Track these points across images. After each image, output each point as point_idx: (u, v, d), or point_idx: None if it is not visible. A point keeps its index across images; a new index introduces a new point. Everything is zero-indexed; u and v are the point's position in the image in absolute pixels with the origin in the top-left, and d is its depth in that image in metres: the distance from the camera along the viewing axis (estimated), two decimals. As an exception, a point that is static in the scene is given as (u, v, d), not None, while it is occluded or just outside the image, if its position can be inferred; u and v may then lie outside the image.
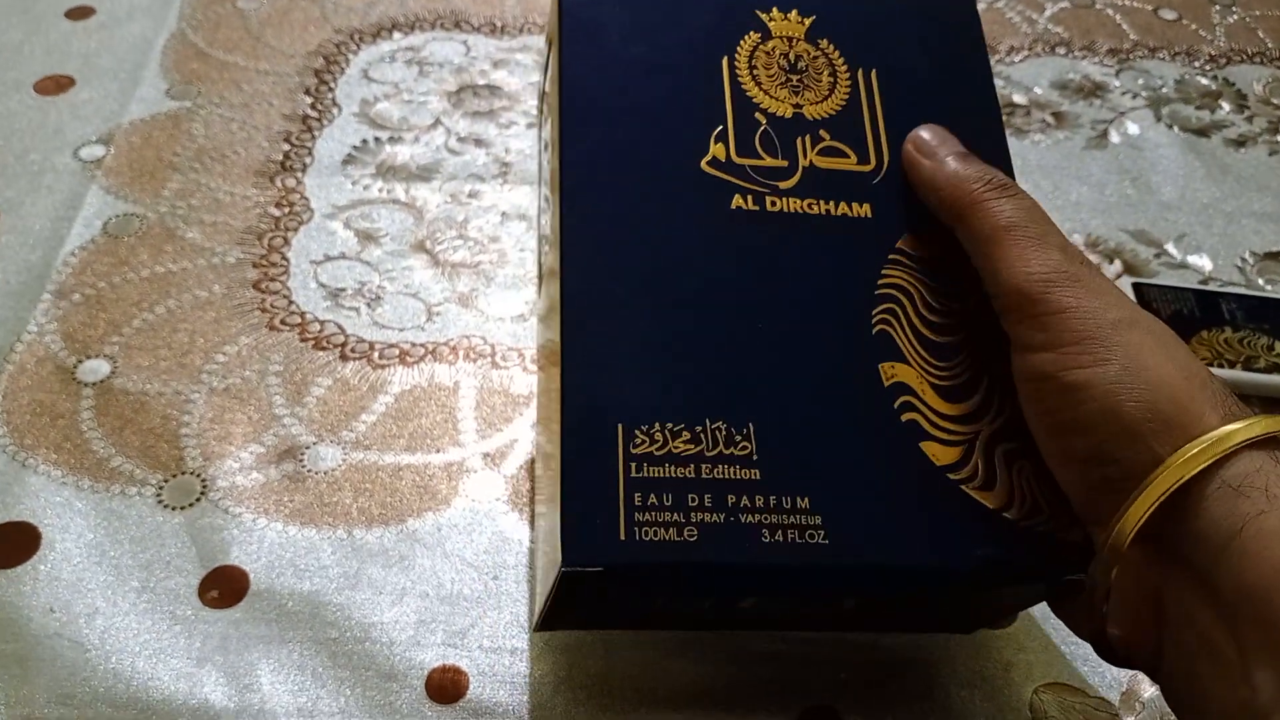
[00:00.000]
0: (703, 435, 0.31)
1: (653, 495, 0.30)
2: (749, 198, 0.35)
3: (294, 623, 0.39)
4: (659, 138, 0.36)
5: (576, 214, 0.34)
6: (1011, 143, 0.61)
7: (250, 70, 0.60)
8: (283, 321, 0.48)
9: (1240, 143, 0.63)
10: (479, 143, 0.58)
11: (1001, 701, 0.39)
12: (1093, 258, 0.56)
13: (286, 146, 0.56)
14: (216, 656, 0.38)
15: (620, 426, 0.31)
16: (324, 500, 0.42)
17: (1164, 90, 0.66)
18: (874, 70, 0.38)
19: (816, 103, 0.38)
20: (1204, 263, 0.56)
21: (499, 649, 0.39)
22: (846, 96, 0.38)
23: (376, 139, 0.57)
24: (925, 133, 0.37)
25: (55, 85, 0.59)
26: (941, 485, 0.32)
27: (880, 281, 0.35)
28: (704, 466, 0.31)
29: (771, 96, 0.37)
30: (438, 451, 0.44)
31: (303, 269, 0.51)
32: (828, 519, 0.31)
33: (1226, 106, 0.66)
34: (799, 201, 0.36)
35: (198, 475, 0.42)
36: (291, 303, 0.49)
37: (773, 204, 0.36)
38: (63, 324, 0.47)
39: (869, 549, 0.31)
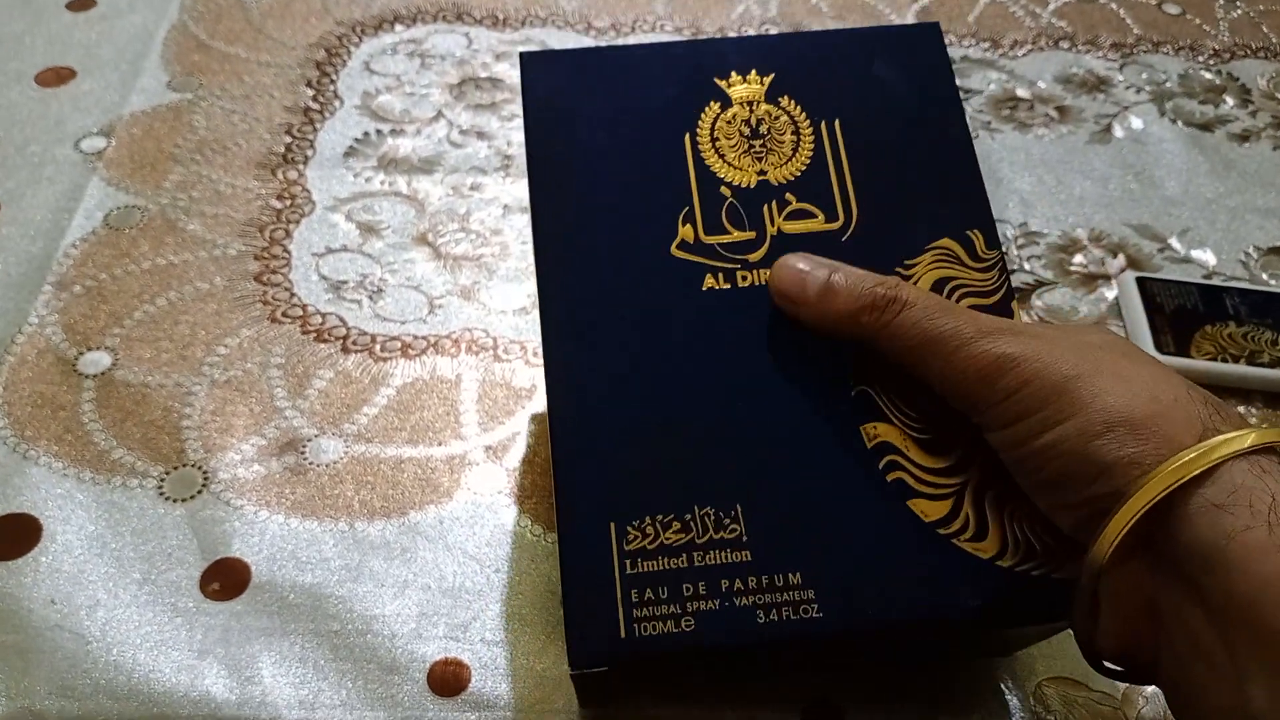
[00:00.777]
0: (692, 523, 0.32)
1: (649, 590, 0.31)
2: (720, 276, 0.36)
3: (295, 615, 0.39)
4: (629, 228, 0.36)
5: (554, 314, 0.35)
6: (1015, 137, 0.61)
7: (252, 62, 0.60)
8: (284, 314, 0.48)
9: (1244, 138, 0.63)
10: (481, 135, 0.58)
11: (1005, 695, 0.39)
12: (1096, 252, 0.55)
13: (288, 139, 0.56)
14: (218, 649, 0.37)
15: (613, 525, 0.32)
16: (326, 493, 0.42)
17: (1168, 85, 0.66)
18: (837, 120, 0.38)
19: (780, 165, 0.37)
20: (1208, 257, 0.56)
21: (500, 642, 0.39)
22: (811, 153, 0.38)
23: (378, 131, 0.57)
24: (779, 275, 0.35)
25: (56, 77, 0.58)
26: (933, 542, 0.32)
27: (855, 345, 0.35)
28: (696, 554, 0.32)
29: (735, 167, 0.37)
30: (439, 444, 0.44)
31: (304, 261, 0.50)
32: (821, 592, 0.31)
33: (1230, 101, 0.65)
34: (768, 273, 0.36)
35: (199, 467, 0.42)
36: (293, 295, 0.49)
37: (744, 278, 0.36)
38: (64, 316, 0.47)
39: (863, 615, 0.31)
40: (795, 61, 0.39)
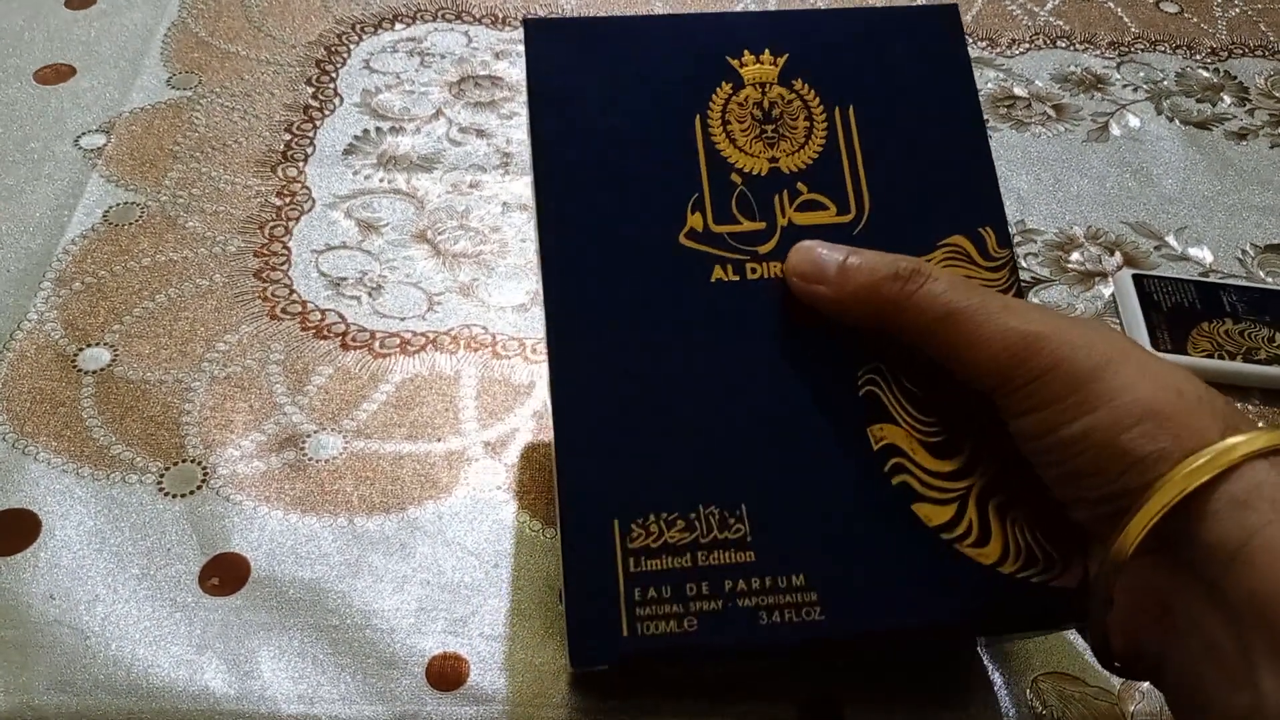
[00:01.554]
0: (696, 522, 0.32)
1: (652, 589, 0.31)
2: (729, 268, 0.35)
3: (295, 610, 0.39)
4: (637, 215, 0.35)
5: (559, 303, 0.34)
6: (1012, 136, 0.61)
7: (252, 60, 0.60)
8: (284, 310, 0.48)
9: (1241, 136, 0.63)
10: (480, 133, 0.58)
11: (1002, 690, 0.39)
12: (1093, 250, 0.56)
13: (288, 136, 0.56)
14: (217, 644, 0.38)
15: (616, 523, 0.32)
16: (325, 488, 0.42)
17: (1165, 83, 0.66)
18: (851, 107, 0.37)
19: (792, 153, 0.36)
20: (1205, 255, 0.56)
21: (499, 636, 0.39)
22: (823, 141, 0.36)
23: (378, 129, 0.57)
24: (796, 257, 0.34)
25: (56, 74, 0.58)
26: (935, 547, 0.32)
27: (863, 342, 0.34)
28: (699, 554, 0.31)
29: (746, 153, 0.36)
30: (439, 440, 0.44)
31: (304, 258, 0.51)
32: (823, 594, 0.31)
33: (1228, 99, 0.66)
34: (778, 265, 0.35)
35: (198, 463, 0.42)
36: (293, 292, 0.49)
37: (753, 271, 0.35)
38: (63, 312, 0.47)
39: (864, 619, 0.31)
40: (810, 41, 0.38)
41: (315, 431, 0.44)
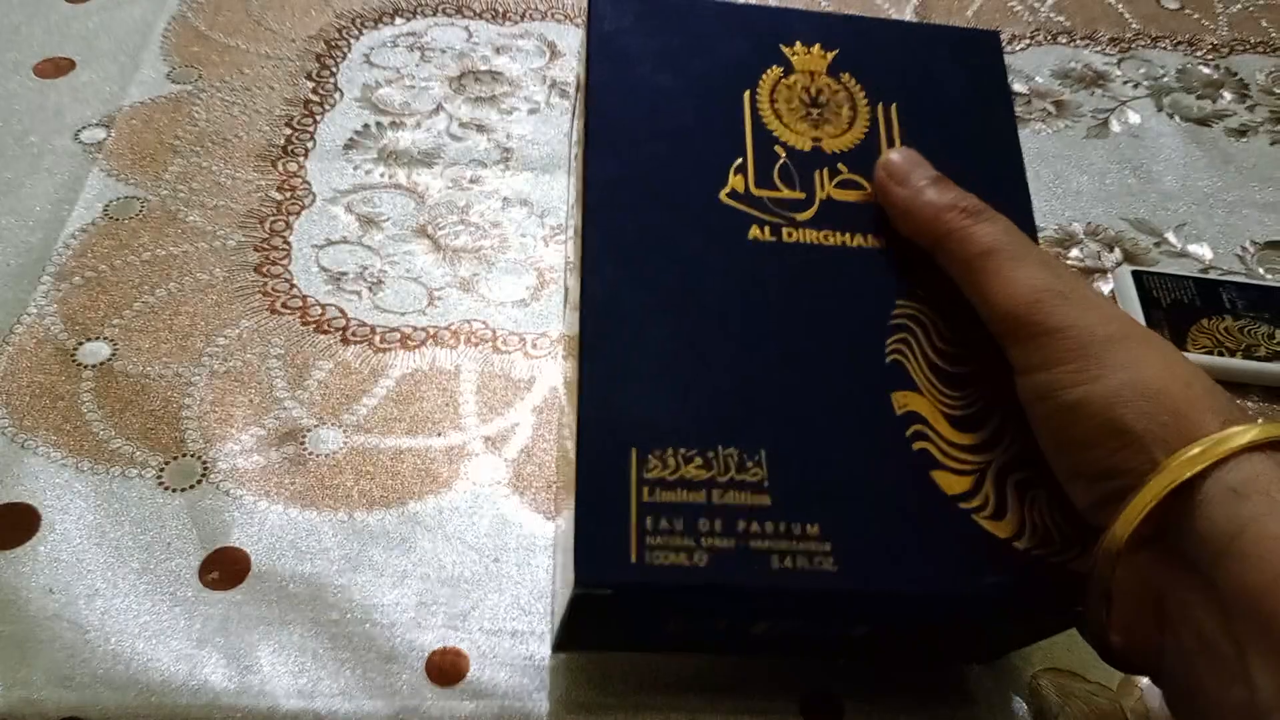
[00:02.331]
0: (715, 461, 0.32)
1: (664, 520, 0.31)
2: (766, 229, 0.36)
3: (295, 604, 0.39)
4: (680, 168, 0.36)
5: (598, 239, 0.35)
6: (1013, 131, 0.61)
7: (252, 54, 0.60)
8: (284, 305, 0.48)
9: (1242, 132, 0.63)
10: (481, 128, 0.58)
11: (1001, 687, 0.39)
12: (1093, 246, 0.56)
13: (288, 130, 0.56)
14: (217, 638, 0.38)
15: (634, 451, 0.32)
16: (325, 483, 0.42)
17: (1165, 79, 0.66)
18: (894, 105, 0.38)
19: (836, 136, 0.38)
20: (1204, 252, 0.56)
21: (499, 631, 0.39)
22: (866, 130, 0.38)
23: (378, 124, 0.57)
24: (896, 156, 0.36)
25: (55, 68, 0.58)
26: (951, 514, 0.32)
27: (894, 312, 0.35)
28: (715, 492, 0.31)
29: (791, 130, 0.37)
30: (439, 435, 0.44)
31: (304, 253, 0.51)
32: (837, 546, 0.31)
33: (1228, 96, 0.66)
34: (815, 233, 0.36)
35: (198, 457, 0.42)
36: (293, 286, 0.49)
37: (789, 235, 0.36)
38: (63, 306, 0.47)
39: (876, 576, 0.31)
40: (859, 42, 0.39)
41: (315, 426, 0.44)
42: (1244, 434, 0.27)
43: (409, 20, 0.64)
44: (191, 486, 0.42)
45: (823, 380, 0.34)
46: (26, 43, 0.60)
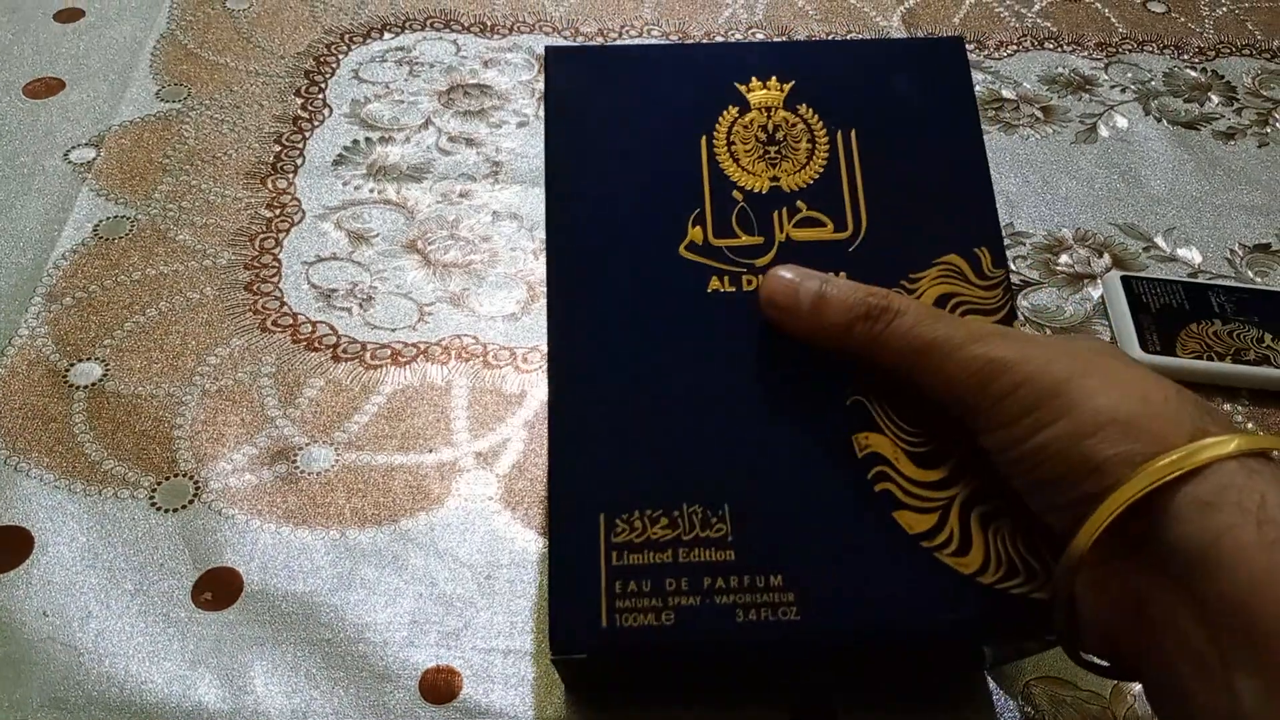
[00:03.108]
0: (680, 520, 0.33)
1: (632, 582, 0.32)
2: (725, 279, 0.36)
3: (288, 624, 0.39)
4: (640, 225, 0.36)
5: (563, 301, 0.35)
6: (1000, 138, 0.62)
7: (240, 71, 0.60)
8: (275, 323, 0.48)
9: (1229, 135, 0.64)
10: (470, 142, 0.58)
11: (994, 695, 0.39)
12: (1082, 252, 0.56)
13: (277, 147, 0.56)
14: (210, 658, 0.38)
15: (603, 517, 0.32)
16: (317, 501, 0.42)
17: (1153, 84, 0.66)
18: (853, 130, 0.38)
19: (794, 172, 0.38)
20: (1193, 256, 0.56)
21: (492, 649, 0.39)
22: (825, 162, 0.38)
23: (367, 139, 0.57)
24: (773, 283, 0.35)
25: (45, 88, 0.58)
26: (915, 554, 0.33)
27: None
28: (681, 550, 0.32)
29: (748, 172, 0.37)
30: (430, 451, 0.44)
31: (294, 270, 0.51)
32: (800, 595, 0.32)
33: (1215, 99, 0.66)
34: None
35: (190, 477, 0.42)
36: (284, 304, 0.49)
37: (749, 283, 0.36)
38: (54, 327, 0.47)
39: (839, 620, 0.32)
40: (816, 69, 0.39)
41: (307, 444, 0.44)
42: (1215, 445, 0.28)
43: (397, 35, 0.64)
44: (184, 506, 0.42)
45: (785, 427, 0.34)
46: (16, 63, 0.60)
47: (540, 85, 0.61)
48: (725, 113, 0.38)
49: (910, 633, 0.32)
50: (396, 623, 0.39)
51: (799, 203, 0.37)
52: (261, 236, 0.52)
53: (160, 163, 0.55)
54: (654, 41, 0.64)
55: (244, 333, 0.48)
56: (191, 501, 0.42)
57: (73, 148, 0.55)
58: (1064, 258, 0.56)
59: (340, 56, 0.62)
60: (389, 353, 0.48)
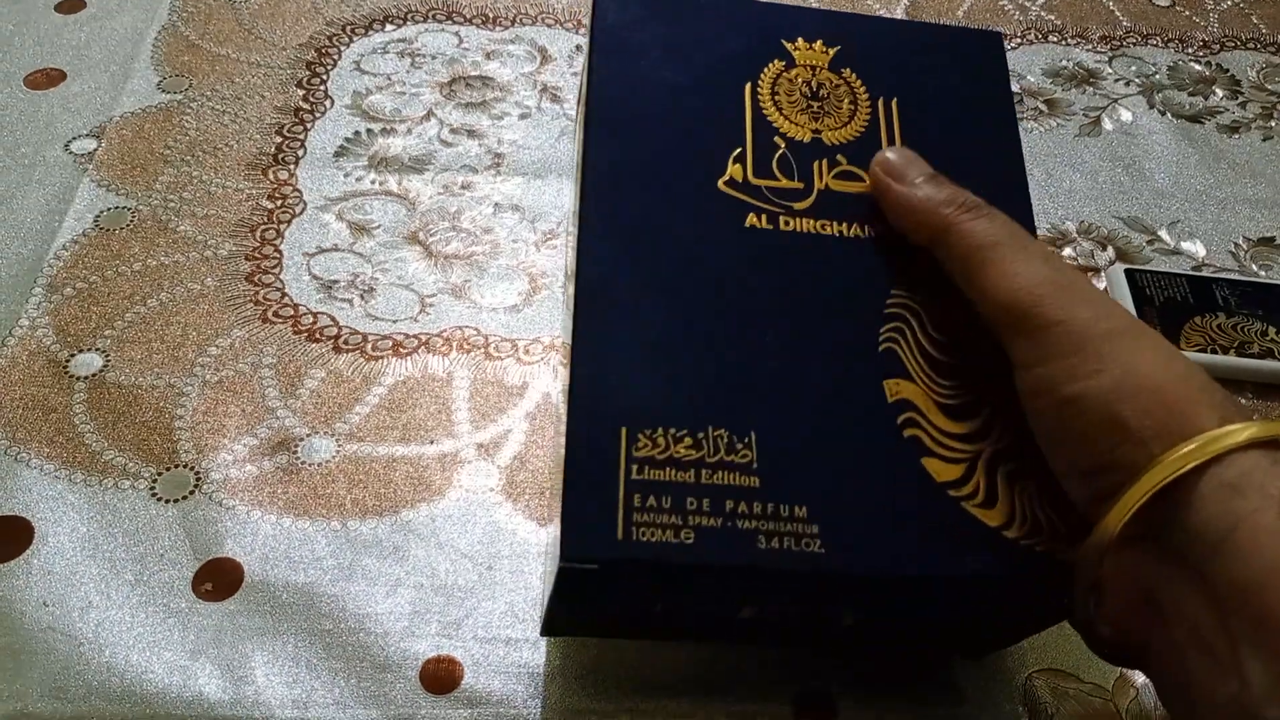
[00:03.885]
0: (704, 441, 0.32)
1: (652, 497, 0.31)
2: (763, 217, 0.36)
3: (288, 614, 0.39)
4: (680, 156, 0.37)
5: (595, 219, 0.35)
6: (1005, 130, 0.61)
7: (242, 63, 0.60)
8: (276, 314, 0.48)
9: (1233, 129, 0.63)
10: (471, 134, 0.58)
11: (995, 686, 0.39)
12: (1086, 245, 0.56)
13: (279, 139, 0.56)
14: (211, 649, 0.38)
15: (624, 429, 0.32)
16: (318, 492, 0.42)
17: (1157, 77, 0.66)
18: (895, 100, 0.39)
19: (836, 128, 0.38)
20: (1197, 249, 0.56)
21: (493, 639, 0.39)
22: (866, 123, 0.38)
23: (369, 131, 0.57)
24: (892, 154, 0.36)
25: (46, 79, 0.58)
26: (941, 501, 0.32)
27: (888, 301, 0.35)
28: (704, 472, 0.31)
29: (791, 121, 0.38)
30: (431, 443, 0.44)
31: (296, 261, 0.51)
32: (824, 528, 0.31)
33: (1220, 93, 0.66)
34: (813, 222, 0.36)
35: (191, 468, 0.42)
36: (285, 295, 0.49)
37: (786, 224, 0.36)
38: (55, 318, 0.47)
39: (863, 559, 0.31)
40: (861, 40, 0.40)
41: (308, 435, 0.44)
42: (1240, 431, 0.27)
43: (399, 26, 0.64)
44: (184, 497, 0.42)
45: (815, 366, 0.34)
46: (17, 54, 0.60)
47: (542, 77, 0.61)
48: (771, 65, 0.39)
49: (932, 577, 0.31)
50: (397, 613, 0.39)
51: (839, 156, 0.37)
52: (263, 227, 0.52)
53: (161, 154, 0.55)
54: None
55: (245, 323, 0.48)
56: (192, 492, 0.42)
57: (74, 138, 0.55)
58: (1068, 251, 0.55)
59: (342, 48, 0.62)
60: (390, 344, 0.48)
